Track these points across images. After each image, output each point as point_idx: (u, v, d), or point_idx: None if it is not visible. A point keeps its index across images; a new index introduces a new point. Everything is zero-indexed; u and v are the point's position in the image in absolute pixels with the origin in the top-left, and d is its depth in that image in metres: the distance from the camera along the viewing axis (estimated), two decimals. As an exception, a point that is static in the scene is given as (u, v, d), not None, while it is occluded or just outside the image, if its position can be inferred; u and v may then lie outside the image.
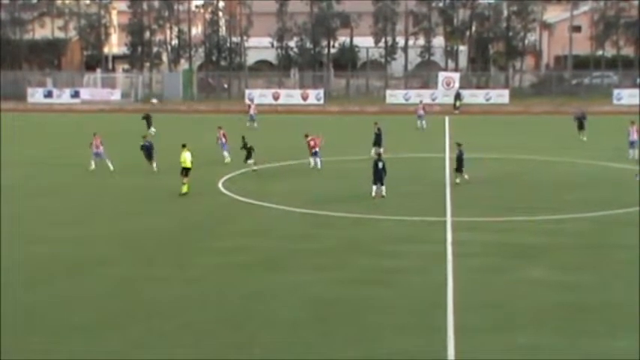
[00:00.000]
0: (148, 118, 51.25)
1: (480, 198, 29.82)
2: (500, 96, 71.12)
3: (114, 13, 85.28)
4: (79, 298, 18.29)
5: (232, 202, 29.43)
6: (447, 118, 58.85)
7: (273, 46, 78.61)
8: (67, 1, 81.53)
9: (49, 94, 74.69)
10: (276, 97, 71.09)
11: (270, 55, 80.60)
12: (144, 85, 77.99)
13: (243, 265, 20.86)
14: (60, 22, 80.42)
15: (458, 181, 31.69)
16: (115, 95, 74.65)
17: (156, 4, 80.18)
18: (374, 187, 29.35)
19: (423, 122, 53.02)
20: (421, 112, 53.85)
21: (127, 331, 16.22)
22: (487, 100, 70.72)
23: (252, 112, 55.61)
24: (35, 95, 74.58)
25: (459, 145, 32.45)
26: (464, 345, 15.27)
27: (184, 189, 29.86)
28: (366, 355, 15.01)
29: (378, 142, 39.22)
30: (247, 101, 64.99)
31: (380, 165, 29.42)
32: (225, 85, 79.49)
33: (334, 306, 17.69)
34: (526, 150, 42.06)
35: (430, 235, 24.12)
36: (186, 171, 30.20)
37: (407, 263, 21.22)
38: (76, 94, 74.12)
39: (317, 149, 36.09)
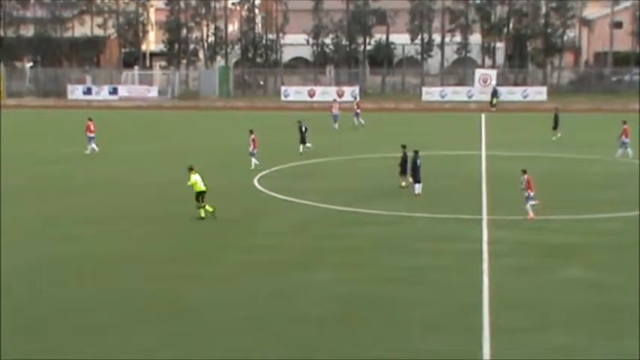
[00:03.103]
0: None
1: (515, 196, 29.52)
2: (538, 93, 70.33)
3: (151, 10, 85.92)
4: (108, 295, 18.43)
5: (267, 199, 29.50)
6: (483, 116, 58.47)
7: (308, 43, 78.63)
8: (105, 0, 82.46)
9: (88, 91, 75.54)
10: (311, 95, 71.07)
11: (306, 52, 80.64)
12: (180, 82, 78.58)
13: (273, 263, 20.91)
14: (99, 20, 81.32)
15: (404, 184, 30.35)
16: (153, 92, 75.27)
17: (193, 1, 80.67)
18: (416, 186, 29.14)
19: (361, 120, 51.98)
20: (357, 109, 52.57)
21: (156, 328, 16.32)
22: (524, 97, 70.01)
23: (334, 111, 51.40)
24: (75, 92, 75.48)
25: (403, 147, 30.69)
26: (498, 345, 15.18)
27: (201, 213, 25.66)
28: (396, 355, 14.95)
29: (303, 140, 39.32)
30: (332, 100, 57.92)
31: (418, 162, 29.23)
32: (261, 82, 79.79)
33: (364, 305, 17.66)
34: (563, 148, 41.58)
35: (464, 234, 23.96)
36: (201, 195, 25.72)
37: (440, 262, 21.11)
38: (114, 91, 74.87)
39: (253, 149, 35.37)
